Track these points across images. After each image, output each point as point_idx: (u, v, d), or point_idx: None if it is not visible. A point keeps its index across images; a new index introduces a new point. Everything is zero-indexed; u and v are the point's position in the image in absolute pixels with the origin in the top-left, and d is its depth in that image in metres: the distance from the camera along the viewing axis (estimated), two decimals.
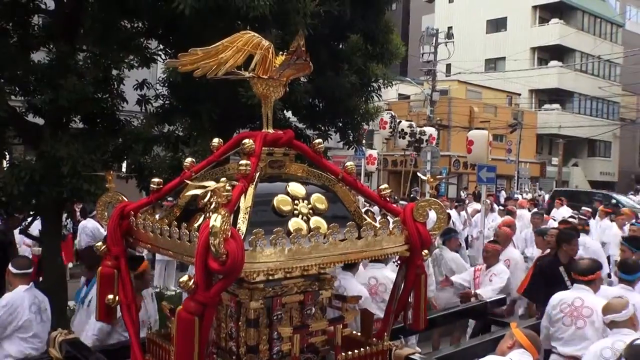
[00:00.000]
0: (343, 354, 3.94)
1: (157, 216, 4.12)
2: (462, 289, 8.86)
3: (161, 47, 8.39)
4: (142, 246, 4.01)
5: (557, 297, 6.45)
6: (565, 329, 6.22)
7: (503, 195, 34.89)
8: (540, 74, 53.07)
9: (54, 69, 7.10)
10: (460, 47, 42.45)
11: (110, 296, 4.00)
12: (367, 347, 4.14)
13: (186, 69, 3.82)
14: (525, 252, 12.23)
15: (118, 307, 4.11)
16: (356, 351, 4.01)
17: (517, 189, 41.46)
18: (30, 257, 8.94)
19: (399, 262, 4.22)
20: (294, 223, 3.63)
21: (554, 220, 16.71)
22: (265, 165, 3.95)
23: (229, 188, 3.18)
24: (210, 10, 6.08)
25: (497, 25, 57.95)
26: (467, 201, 22.01)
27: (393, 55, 9.21)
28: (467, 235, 17.13)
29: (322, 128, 9.41)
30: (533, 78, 51.73)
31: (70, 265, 15.94)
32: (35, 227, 9.61)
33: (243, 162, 3.56)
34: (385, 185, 4.33)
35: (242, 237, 3.25)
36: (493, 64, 57.41)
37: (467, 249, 16.12)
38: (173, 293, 12.56)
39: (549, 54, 56.49)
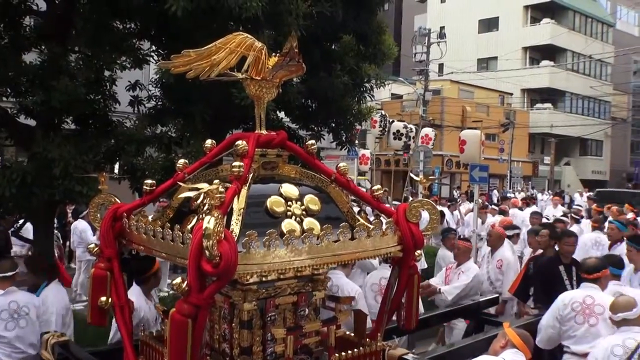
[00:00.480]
0: (336, 354, 3.94)
1: (150, 218, 4.12)
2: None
3: (154, 48, 8.36)
4: (135, 248, 4.00)
5: (567, 296, 6.46)
6: (578, 327, 6.23)
7: (495, 194, 34.94)
8: (532, 74, 53.23)
9: (45, 70, 7.06)
10: (453, 47, 42.53)
11: (103, 298, 3.99)
12: (361, 348, 4.14)
13: (179, 71, 3.82)
14: (524, 252, 12.19)
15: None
16: (349, 352, 4.02)
17: (510, 188, 41.56)
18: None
19: (391, 262, 4.22)
20: (287, 224, 3.63)
21: (547, 219, 16.77)
22: (259, 166, 3.95)
23: (222, 190, 3.18)
24: (203, 12, 6.06)
25: (489, 25, 58.09)
26: (459, 200, 22.07)
27: (385, 55, 9.21)
28: (460, 235, 17.14)
29: (315, 128, 9.40)
30: (525, 77, 51.88)
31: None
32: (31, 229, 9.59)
33: (236, 163, 3.56)
34: (378, 186, 4.34)
35: (236, 238, 3.24)
36: (485, 63, 57.53)
37: None
38: (166, 294, 12.53)
39: (540, 53, 56.66)
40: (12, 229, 9.90)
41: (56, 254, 9.23)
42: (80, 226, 14.23)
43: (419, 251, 4.12)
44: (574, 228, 12.97)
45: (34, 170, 6.71)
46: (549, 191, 41.78)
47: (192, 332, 3.17)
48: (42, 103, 6.76)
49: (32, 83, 7.15)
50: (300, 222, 3.71)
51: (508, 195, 29.20)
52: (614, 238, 10.95)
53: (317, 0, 7.40)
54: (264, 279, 3.58)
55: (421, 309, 7.63)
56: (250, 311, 3.70)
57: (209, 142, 4.20)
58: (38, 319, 5.95)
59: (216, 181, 3.26)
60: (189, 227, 3.54)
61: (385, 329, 4.48)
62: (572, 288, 7.97)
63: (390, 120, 25.30)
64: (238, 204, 3.52)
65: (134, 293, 6.36)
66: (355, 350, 4.08)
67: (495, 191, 38.28)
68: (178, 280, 3.15)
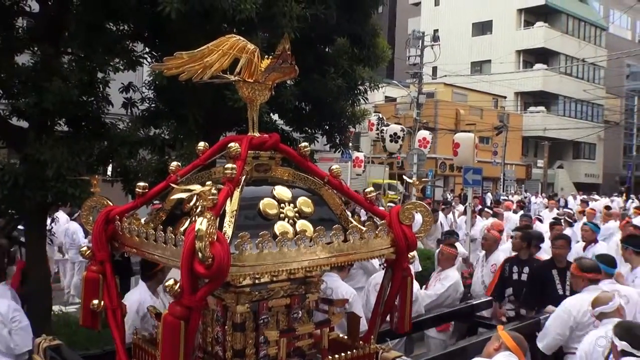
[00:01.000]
0: (330, 357, 3.93)
1: (143, 220, 4.11)
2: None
3: (147, 50, 8.35)
4: (127, 251, 3.98)
5: (584, 303, 6.42)
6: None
7: (489, 197, 35.00)
8: (526, 77, 53.45)
9: (38, 72, 7.05)
10: (447, 50, 42.71)
11: (95, 301, 3.98)
12: (354, 350, 4.14)
13: (171, 73, 3.80)
14: None
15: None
16: (343, 354, 4.01)
17: (503, 191, 41.68)
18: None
19: (385, 264, 4.21)
20: (280, 226, 3.62)
21: (540, 221, 16.83)
22: (251, 168, 3.94)
23: (215, 192, 3.18)
24: (197, 14, 6.06)
25: (482, 28, 58.34)
26: (453, 203, 22.09)
27: (379, 58, 9.19)
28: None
29: (309, 131, 9.38)
30: (518, 81, 52.11)
31: (55, 269, 15.90)
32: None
33: (229, 165, 3.55)
34: (371, 188, 4.33)
35: (228, 240, 3.23)
36: (479, 66, 57.77)
37: None
38: None
39: (534, 56, 56.92)
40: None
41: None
42: (72, 228, 14.23)
43: (412, 253, 4.11)
44: (567, 231, 13.06)
45: (26, 173, 6.69)
46: (543, 194, 41.88)
47: (185, 335, 3.15)
48: (35, 105, 6.74)
49: (24, 85, 7.13)
50: (293, 224, 3.70)
51: (501, 198, 29.27)
52: (588, 239, 11.35)
53: (311, 2, 7.39)
54: (256, 281, 3.57)
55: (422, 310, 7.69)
56: (243, 313, 3.69)
57: (201, 145, 4.19)
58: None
59: (209, 183, 3.26)
60: (181, 229, 3.52)
61: (379, 331, 4.48)
62: (564, 292, 8.01)
63: (387, 123, 25.32)
64: (231, 206, 3.51)
65: (141, 289, 6.37)
66: (349, 352, 4.07)
67: (489, 194, 38.35)
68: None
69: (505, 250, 10.44)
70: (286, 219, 3.71)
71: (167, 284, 3.14)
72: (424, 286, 8.73)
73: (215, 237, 3.07)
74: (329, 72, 8.46)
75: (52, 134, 7.31)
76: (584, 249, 11.10)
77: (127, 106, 8.58)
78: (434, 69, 46.78)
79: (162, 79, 7.34)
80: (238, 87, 4.02)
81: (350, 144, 25.75)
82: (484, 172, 15.95)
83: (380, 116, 25.14)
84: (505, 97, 54.69)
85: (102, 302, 3.99)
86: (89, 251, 4.04)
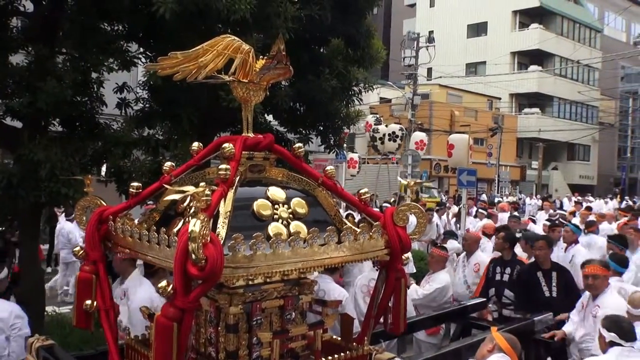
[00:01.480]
0: (323, 358, 3.92)
1: (136, 221, 4.09)
2: None
3: (141, 50, 8.33)
4: (120, 251, 3.97)
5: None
6: None
7: (484, 198, 35.03)
8: (520, 78, 53.54)
9: (32, 72, 7.03)
10: (441, 51, 42.66)
11: (88, 301, 3.96)
12: (347, 352, 4.13)
13: (166, 73, 3.79)
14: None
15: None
16: (336, 356, 4.00)
17: (498, 193, 41.71)
18: None
19: (379, 266, 4.20)
20: (273, 227, 3.60)
21: (534, 222, 16.87)
22: (245, 169, 3.92)
23: (209, 192, 3.16)
24: (191, 14, 6.05)
25: (477, 29, 58.41)
26: (447, 204, 22.11)
27: (374, 59, 9.20)
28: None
29: (303, 132, 9.39)
30: (513, 82, 52.19)
31: (49, 269, 15.90)
32: None
33: (222, 166, 3.54)
34: (366, 189, 4.32)
35: (222, 242, 3.22)
36: (474, 68, 57.83)
37: None
38: None
39: (528, 58, 57.02)
40: None
41: None
42: (67, 227, 14.21)
43: (406, 255, 4.11)
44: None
45: (20, 173, 6.68)
46: (537, 196, 41.93)
47: (178, 336, 3.14)
48: (29, 105, 6.73)
49: (18, 85, 7.11)
50: (287, 226, 3.68)
51: (496, 199, 29.29)
52: (569, 240, 11.38)
53: (305, 3, 7.40)
54: (250, 282, 3.55)
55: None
56: (236, 315, 3.67)
57: (195, 145, 4.17)
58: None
59: (202, 184, 3.24)
60: (175, 230, 3.51)
61: (372, 332, 4.47)
62: (551, 294, 8.03)
63: (385, 124, 25.39)
64: (224, 207, 3.49)
65: (145, 286, 6.35)
66: (342, 354, 4.06)
67: (483, 195, 38.38)
68: (163, 283, 3.12)
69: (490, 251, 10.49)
70: (280, 220, 3.70)
71: (160, 285, 3.13)
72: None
73: (209, 239, 3.06)
74: (323, 72, 8.46)
75: (46, 134, 7.29)
76: (565, 249, 11.18)
77: (122, 106, 8.55)
78: (429, 70, 46.81)
79: (157, 79, 7.32)
80: (232, 88, 4.00)
81: (345, 145, 25.76)
82: (478, 174, 15.97)
83: (378, 117, 25.18)
84: (500, 99, 54.73)
85: (95, 303, 3.97)
86: (82, 251, 4.02)
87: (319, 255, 3.55)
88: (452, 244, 11.74)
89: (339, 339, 4.48)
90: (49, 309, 8.92)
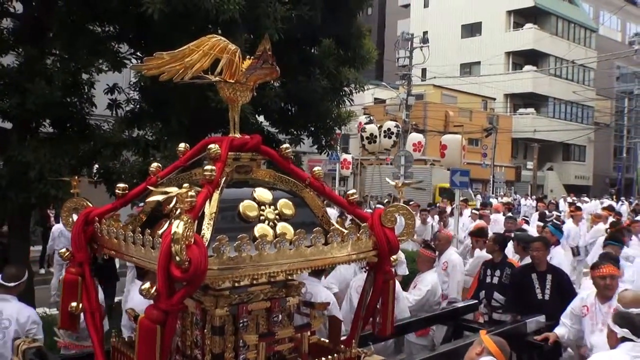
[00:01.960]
0: None
1: (122, 222, 4.06)
2: None
3: (132, 51, 8.30)
4: (106, 253, 3.94)
5: None
6: None
7: (479, 199, 35.01)
8: (515, 79, 53.57)
9: (22, 73, 7.00)
10: (436, 52, 42.75)
11: (74, 303, 3.93)
12: (335, 354, 4.10)
13: (152, 73, 3.77)
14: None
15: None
16: (324, 358, 3.97)
17: (493, 193, 41.72)
18: None
19: (367, 267, 4.18)
20: (259, 229, 3.57)
21: (527, 222, 16.86)
22: (232, 170, 3.89)
23: (192, 194, 3.14)
24: (179, 14, 6.02)
25: (472, 30, 58.44)
26: (439, 205, 22.06)
27: (365, 59, 9.18)
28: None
29: (295, 133, 9.36)
30: (508, 82, 52.25)
31: (42, 271, 15.86)
32: None
33: (207, 167, 3.52)
34: (353, 190, 4.30)
35: (207, 243, 3.19)
36: (468, 68, 57.87)
37: None
38: None
39: (523, 58, 57.06)
40: None
41: None
42: (62, 229, 14.15)
43: (394, 256, 4.08)
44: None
45: (9, 174, 6.65)
46: (532, 196, 41.96)
47: (161, 339, 3.11)
48: (17, 106, 6.70)
49: (8, 86, 7.08)
50: (274, 227, 3.65)
51: (490, 200, 29.27)
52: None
53: (296, 3, 7.37)
54: (236, 284, 3.53)
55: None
56: (222, 317, 3.65)
57: (182, 146, 4.15)
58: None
59: (186, 185, 3.21)
60: (159, 231, 3.48)
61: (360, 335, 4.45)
62: (543, 297, 7.99)
63: (376, 124, 25.33)
64: (210, 209, 3.46)
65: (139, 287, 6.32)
66: (330, 356, 4.03)
67: (478, 196, 38.37)
68: (146, 285, 3.10)
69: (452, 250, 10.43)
70: (266, 222, 3.67)
71: (142, 287, 3.10)
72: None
73: (193, 240, 3.03)
74: (314, 73, 8.44)
75: (36, 135, 7.26)
76: None
77: (112, 107, 8.52)
78: (423, 71, 46.76)
79: (146, 80, 7.31)
80: (219, 88, 3.98)
81: (339, 146, 25.73)
82: (473, 174, 15.95)
83: (371, 118, 25.13)
84: (494, 99, 54.80)
85: (80, 305, 3.94)
86: (67, 252, 3.99)
87: (306, 256, 3.52)
88: None
89: (327, 341, 4.45)
90: (39, 310, 8.85)
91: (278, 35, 6.71)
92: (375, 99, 44.36)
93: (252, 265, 3.28)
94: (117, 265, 11.16)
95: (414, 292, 8.27)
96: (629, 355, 4.61)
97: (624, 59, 60.09)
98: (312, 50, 9.03)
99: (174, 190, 3.20)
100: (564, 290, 8.05)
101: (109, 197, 7.57)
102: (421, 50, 34.69)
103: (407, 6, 62.72)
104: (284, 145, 4.24)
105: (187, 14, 6.08)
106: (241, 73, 3.91)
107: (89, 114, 7.94)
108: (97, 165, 7.71)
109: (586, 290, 7.28)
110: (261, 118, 9.08)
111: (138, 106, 8.54)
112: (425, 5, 60.70)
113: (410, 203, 21.02)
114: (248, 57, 3.99)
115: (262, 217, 3.67)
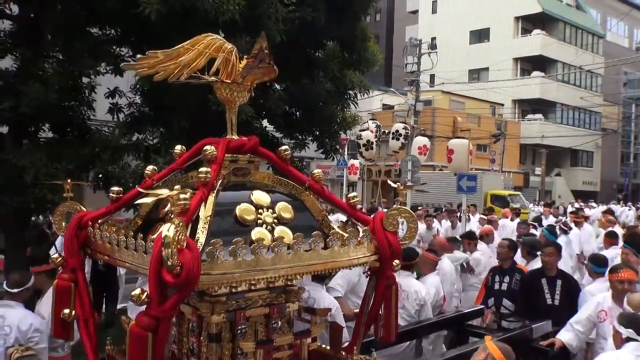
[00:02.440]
0: None
1: (117, 226, 3.96)
2: None
3: (132, 54, 8.22)
4: (99, 258, 3.83)
5: None
6: None
7: (532, 208, 34.95)
8: (523, 84, 53.48)
9: (18, 76, 6.92)
10: (444, 58, 42.67)
11: (67, 310, 3.82)
12: None
13: (146, 73, 3.66)
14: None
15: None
16: None
17: None
18: None
19: (368, 272, 4.06)
20: (256, 233, 3.45)
21: (535, 228, 16.73)
22: (229, 172, 3.78)
23: (185, 196, 3.02)
24: (178, 15, 5.93)
25: (480, 36, 58.41)
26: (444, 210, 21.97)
27: (370, 62, 9.09)
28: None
29: (299, 137, 9.28)
30: (516, 88, 52.14)
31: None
32: None
33: (202, 169, 3.41)
34: (355, 194, 4.18)
35: (201, 248, 3.08)
36: (476, 74, 57.82)
37: None
38: None
39: (531, 64, 57.00)
40: None
41: None
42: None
43: (397, 261, 3.97)
44: (562, 239, 13.00)
45: (4, 179, 6.57)
46: (541, 202, 41.80)
47: (153, 346, 2.99)
48: (11, 109, 6.61)
49: (3, 89, 7.00)
50: (272, 231, 3.54)
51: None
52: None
53: (298, 4, 7.28)
54: (233, 290, 3.42)
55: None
56: (218, 324, 3.53)
57: (178, 148, 4.06)
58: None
59: (177, 187, 3.10)
60: (152, 236, 3.37)
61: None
62: (553, 302, 7.89)
63: (384, 130, 25.28)
64: (205, 212, 3.35)
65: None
66: None
67: (531, 205, 38.28)
68: (137, 291, 2.98)
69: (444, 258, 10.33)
70: (264, 225, 3.55)
71: (133, 293, 2.99)
72: None
73: (185, 244, 2.91)
74: (318, 76, 8.35)
75: (34, 139, 7.18)
76: None
77: (113, 111, 8.43)
78: (432, 77, 46.77)
79: (146, 83, 7.22)
80: (216, 89, 3.88)
81: (347, 152, 25.65)
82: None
83: (379, 124, 25.06)
84: (502, 105, 54.71)
85: (73, 312, 3.83)
86: (60, 258, 3.89)
87: (304, 261, 3.40)
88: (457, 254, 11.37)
89: (328, 348, 4.34)
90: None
91: (280, 37, 6.62)
92: (384, 105, 44.32)
93: (248, 270, 3.16)
94: (124, 272, 11.00)
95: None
96: (634, 354, 4.67)
97: (631, 64, 59.96)
98: (317, 54, 8.95)
99: (164, 192, 3.09)
100: (574, 297, 7.94)
101: (110, 202, 7.51)
102: (429, 56, 34.67)
103: (415, 12, 62.74)
104: (283, 147, 4.13)
105: (185, 15, 6.00)
106: (238, 73, 3.80)
107: (89, 118, 7.85)
108: (95, 170, 7.61)
109: (596, 292, 7.17)
110: (265, 122, 8.99)
111: (138, 110, 8.45)
112: (434, 11, 60.69)
113: (419, 209, 20.94)
114: (245, 57, 3.89)
115: (259, 221, 3.55)
